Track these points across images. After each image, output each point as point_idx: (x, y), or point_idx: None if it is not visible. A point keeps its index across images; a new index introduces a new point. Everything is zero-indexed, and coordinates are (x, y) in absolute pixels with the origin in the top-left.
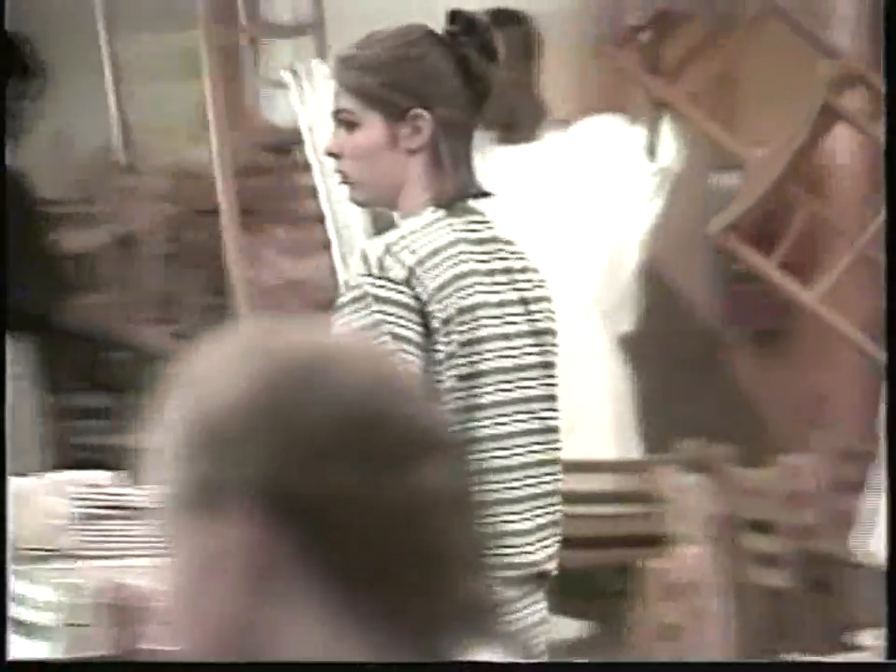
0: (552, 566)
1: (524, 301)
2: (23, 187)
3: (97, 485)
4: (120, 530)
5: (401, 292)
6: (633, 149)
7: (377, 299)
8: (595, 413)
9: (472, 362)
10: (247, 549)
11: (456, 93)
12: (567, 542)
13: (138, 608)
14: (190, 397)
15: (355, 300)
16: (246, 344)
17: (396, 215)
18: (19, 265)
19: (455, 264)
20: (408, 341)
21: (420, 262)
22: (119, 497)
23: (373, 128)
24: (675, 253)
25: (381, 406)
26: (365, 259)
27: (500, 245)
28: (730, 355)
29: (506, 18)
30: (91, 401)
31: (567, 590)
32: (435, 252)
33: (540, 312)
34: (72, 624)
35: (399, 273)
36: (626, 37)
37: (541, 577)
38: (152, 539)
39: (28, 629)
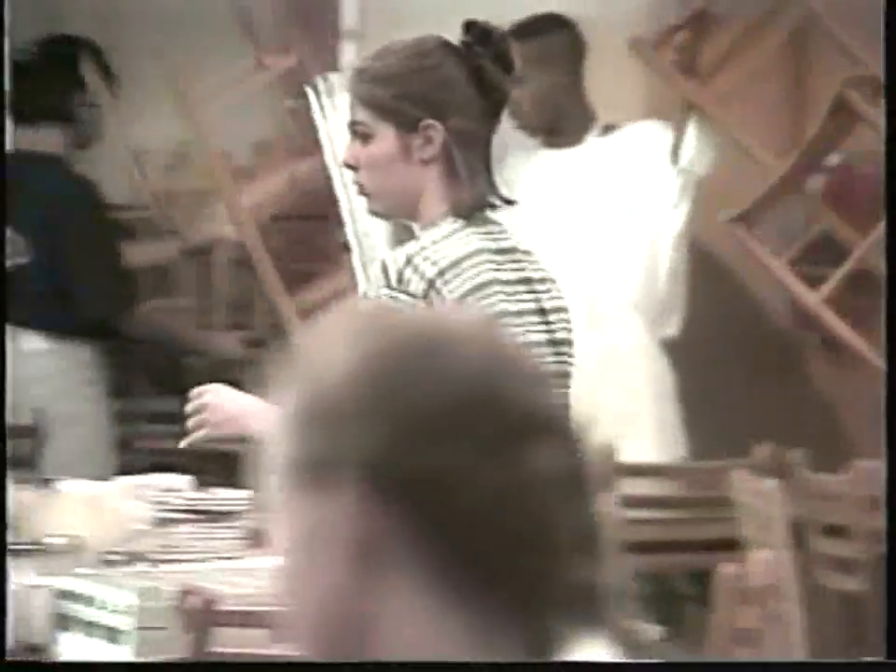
0: None
1: (542, 312)
2: (93, 194)
3: (173, 489)
4: (196, 534)
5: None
6: (674, 153)
7: None
8: (659, 417)
9: None
10: (354, 526)
11: (469, 103)
12: (642, 547)
13: (213, 611)
14: (304, 373)
15: None
16: (361, 321)
17: (415, 226)
18: (89, 272)
19: (476, 274)
20: None
21: (440, 273)
22: (196, 501)
23: (386, 139)
24: (739, 254)
25: (494, 385)
26: (385, 270)
27: (519, 256)
28: (802, 358)
29: (551, 22)
30: (163, 406)
31: (643, 594)
32: (456, 263)
33: (558, 322)
34: (148, 628)
35: (417, 285)
36: (664, 37)
37: None
38: (228, 543)
39: (105, 632)
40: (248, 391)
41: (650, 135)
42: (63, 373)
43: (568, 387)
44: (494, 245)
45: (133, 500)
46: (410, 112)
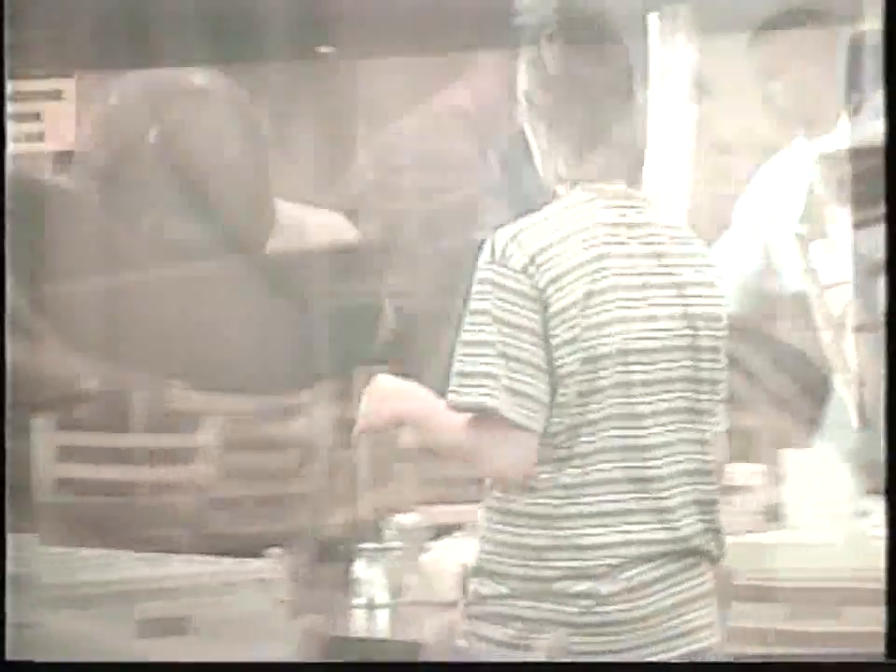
0: (706, 544)
1: (677, 286)
2: None
3: None
4: None
5: (518, 280)
6: None
7: (495, 285)
8: None
9: (597, 345)
10: None
11: (533, 85)
12: None
13: (731, 585)
14: None
15: (479, 283)
16: None
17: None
18: None
19: (584, 248)
20: (521, 328)
21: (543, 249)
22: None
23: None
24: None
25: None
26: (492, 244)
27: (654, 230)
28: None
29: (802, 15)
30: None
31: None
32: (565, 237)
33: (698, 297)
34: None
35: (518, 260)
36: None
37: (698, 554)
38: (745, 518)
39: None
40: None
41: None
42: None
43: (703, 362)
44: (619, 220)
45: None
46: None
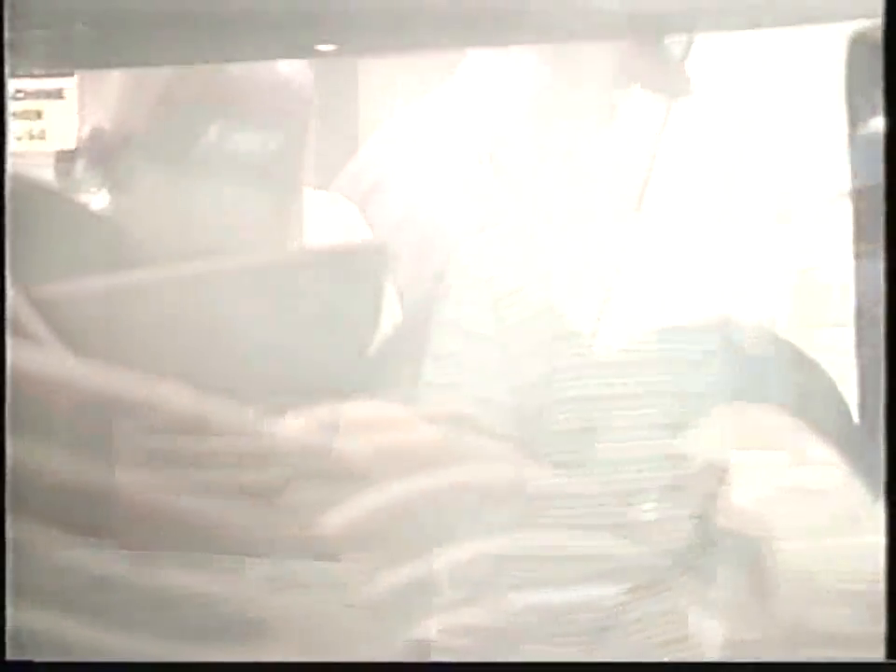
0: (690, 560)
1: (653, 297)
2: None
3: (772, 465)
4: (794, 511)
5: (481, 290)
6: None
7: (459, 296)
8: None
9: (557, 357)
10: None
11: (526, 86)
12: None
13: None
14: None
15: (443, 294)
16: None
17: None
18: None
19: (547, 259)
20: (487, 338)
21: (507, 258)
22: (794, 477)
23: None
24: None
25: None
26: (459, 256)
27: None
28: None
29: None
30: None
31: None
32: (532, 246)
33: (680, 308)
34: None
35: (482, 269)
36: None
37: (675, 568)
38: (824, 520)
39: None
40: None
41: None
42: None
43: (685, 374)
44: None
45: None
46: None
